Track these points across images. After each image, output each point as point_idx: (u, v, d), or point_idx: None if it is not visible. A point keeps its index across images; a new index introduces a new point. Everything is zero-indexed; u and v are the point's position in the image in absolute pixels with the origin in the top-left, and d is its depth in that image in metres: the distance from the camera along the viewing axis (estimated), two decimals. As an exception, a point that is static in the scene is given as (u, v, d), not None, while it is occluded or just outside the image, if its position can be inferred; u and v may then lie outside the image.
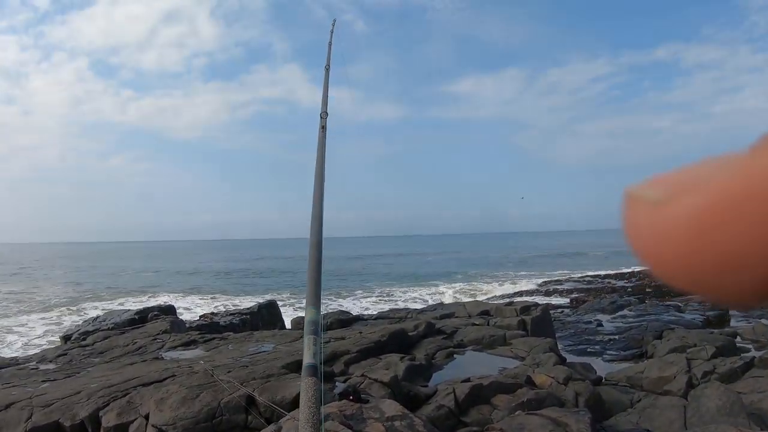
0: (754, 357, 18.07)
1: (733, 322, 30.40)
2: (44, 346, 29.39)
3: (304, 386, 2.58)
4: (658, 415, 13.61)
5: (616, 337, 27.20)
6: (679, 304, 36.23)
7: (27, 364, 19.71)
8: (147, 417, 11.83)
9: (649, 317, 31.20)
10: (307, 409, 2.49)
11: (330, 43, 7.38)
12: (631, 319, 31.41)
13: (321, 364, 2.76)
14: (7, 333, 38.33)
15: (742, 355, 19.89)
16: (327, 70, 6.80)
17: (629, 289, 49.34)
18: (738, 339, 23.80)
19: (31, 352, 27.69)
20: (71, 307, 52.38)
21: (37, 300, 60.22)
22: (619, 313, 34.60)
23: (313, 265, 3.43)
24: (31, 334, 38.27)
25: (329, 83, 6.62)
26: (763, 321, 28.57)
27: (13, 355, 26.56)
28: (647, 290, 47.23)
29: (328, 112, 5.89)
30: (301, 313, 40.21)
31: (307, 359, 2.73)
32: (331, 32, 7.73)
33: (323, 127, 5.50)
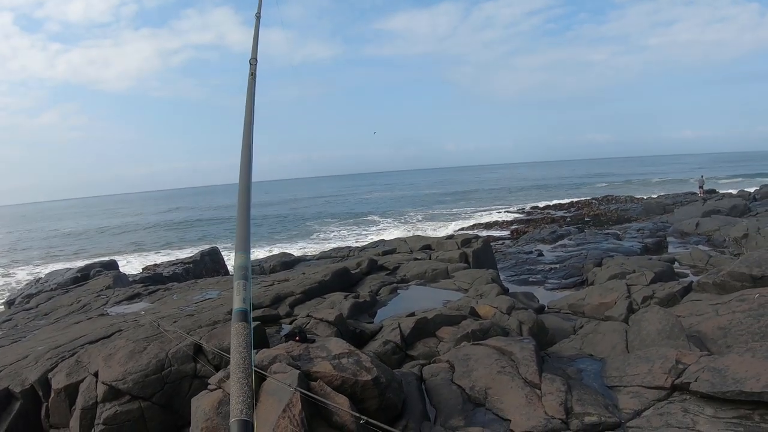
0: (692, 281, 18.37)
1: (670, 249, 31.08)
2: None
3: (235, 332, 2.52)
4: (600, 339, 13.77)
5: (557, 266, 27.58)
6: (618, 232, 36.94)
7: None
8: (96, 374, 11.55)
9: (589, 246, 31.71)
10: (237, 355, 2.41)
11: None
12: (571, 248, 31.88)
13: (250, 309, 2.65)
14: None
15: (680, 280, 20.27)
16: (258, 17, 6.58)
17: (568, 219, 50.05)
18: (676, 265, 24.26)
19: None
20: (7, 275, 50.68)
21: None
22: (559, 242, 35.09)
23: (242, 210, 3.36)
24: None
25: (260, 28, 6.40)
26: (700, 247, 29.25)
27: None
28: (586, 219, 48.01)
29: (257, 58, 5.71)
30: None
31: (236, 304, 2.68)
32: None
33: (252, 74, 5.36)
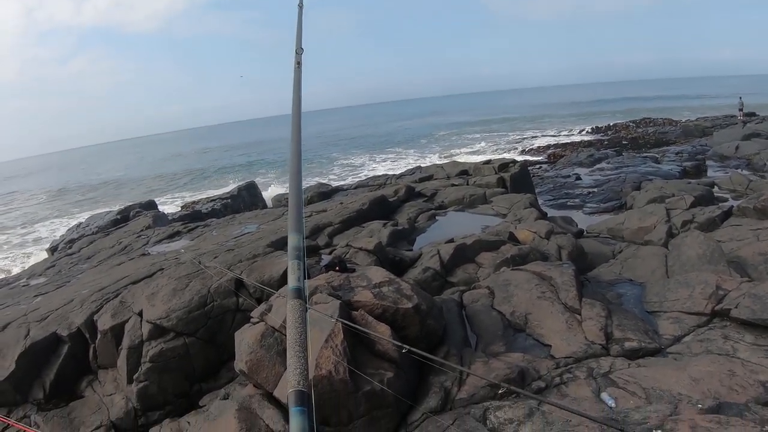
0: (732, 206, 18.18)
1: (710, 173, 30.60)
2: (31, 262, 29.12)
3: (291, 308, 2.61)
4: (639, 264, 13.76)
5: (595, 189, 27.41)
6: (656, 155, 36.44)
7: (17, 282, 19.56)
8: (140, 314, 11.80)
9: (627, 169, 31.42)
10: (294, 330, 2.52)
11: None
12: (609, 172, 31.61)
13: (305, 288, 2.75)
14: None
15: (720, 204, 20.03)
16: (300, 8, 6.46)
17: (606, 143, 49.37)
18: (715, 189, 23.99)
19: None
20: (51, 221, 51.39)
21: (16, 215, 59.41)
22: (597, 166, 34.78)
23: (294, 192, 3.44)
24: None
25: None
26: (740, 171, 28.78)
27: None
28: (624, 143, 47.35)
29: (303, 48, 5.64)
30: (282, 190, 40.23)
31: (291, 283, 2.78)
32: None
33: (299, 64, 5.29)
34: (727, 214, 17.26)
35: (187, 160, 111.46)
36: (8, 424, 10.55)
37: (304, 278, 2.86)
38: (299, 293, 2.71)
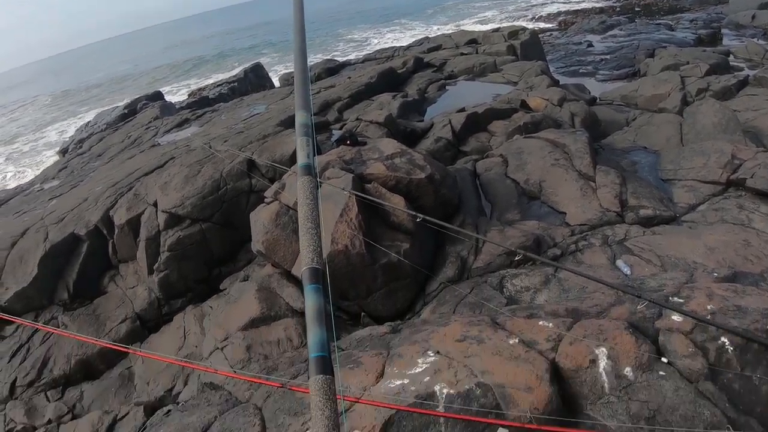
0: (748, 75, 17.86)
1: (725, 41, 29.91)
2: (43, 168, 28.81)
3: (301, 185, 2.59)
4: (654, 131, 13.63)
5: (608, 56, 26.94)
6: (670, 22, 35.62)
7: (32, 188, 19.41)
8: (155, 204, 11.79)
9: (640, 36, 30.78)
10: (305, 207, 2.49)
11: None
12: (621, 39, 31.00)
13: (315, 164, 2.73)
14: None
15: (735, 73, 19.70)
16: None
17: (618, 9, 48.21)
18: (731, 58, 23.49)
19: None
20: (60, 123, 50.59)
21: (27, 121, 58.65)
22: (609, 33, 34.07)
23: (300, 68, 3.33)
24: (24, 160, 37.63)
25: None
26: (757, 40, 28.16)
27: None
28: (636, 9, 46.25)
29: None
30: (288, 69, 39.63)
31: (301, 160, 2.75)
32: None
33: None
34: (743, 83, 16.97)
35: (190, 48, 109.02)
36: (37, 329, 10.76)
37: (314, 155, 2.85)
38: (309, 170, 2.69)
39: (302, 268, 2.23)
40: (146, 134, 21.42)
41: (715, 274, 6.08)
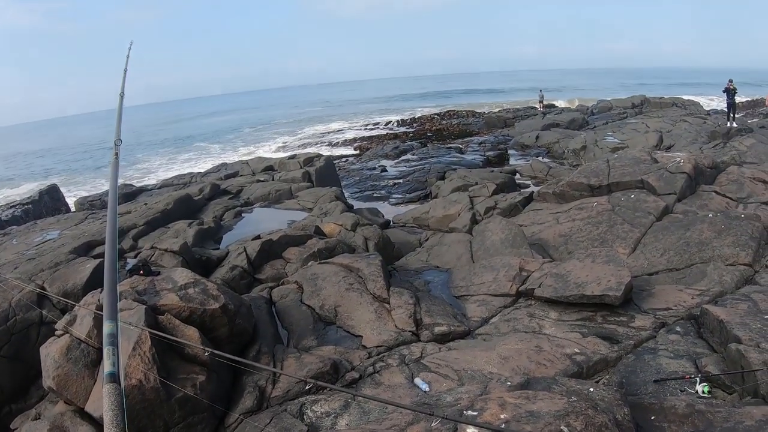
0: (533, 192, 18.84)
1: (512, 161, 31.83)
2: None
3: (106, 391, 2.66)
4: (446, 251, 13.95)
5: (401, 180, 27.79)
6: (460, 146, 37.52)
7: None
8: None
9: (432, 160, 32.09)
10: (110, 413, 2.55)
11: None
12: (414, 163, 32.18)
13: (120, 372, 2.83)
14: None
15: (521, 190, 20.81)
16: (121, 96, 6.19)
17: (411, 134, 50.32)
18: (517, 176, 24.94)
19: None
20: None
21: None
22: (402, 157, 35.34)
23: (109, 275, 3.38)
24: None
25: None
26: (540, 159, 30.11)
27: None
28: (428, 134, 48.46)
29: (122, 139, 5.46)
30: (84, 193, 38.51)
31: (107, 368, 2.82)
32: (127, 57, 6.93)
33: (117, 155, 5.21)
34: (529, 199, 17.83)
35: None
36: None
37: (119, 363, 2.88)
38: (114, 377, 2.75)
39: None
40: (-71, 258, 19.55)
41: (509, 383, 6.11)
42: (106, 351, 2.76)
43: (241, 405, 7.63)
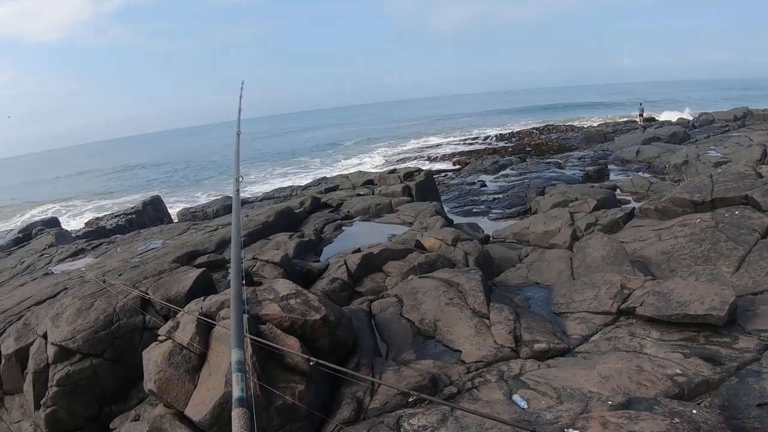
0: (634, 208, 18.49)
1: (612, 176, 31.33)
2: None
3: (236, 416, 2.86)
4: (546, 267, 13.87)
5: (500, 196, 27.69)
6: (559, 161, 37.15)
7: None
8: (45, 336, 11.19)
9: (531, 175, 31.90)
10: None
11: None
12: (513, 178, 32.04)
13: (247, 395, 3.10)
14: None
15: (622, 206, 20.47)
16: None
17: (510, 149, 50.08)
18: (618, 192, 24.55)
19: None
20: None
21: None
22: (502, 172, 35.23)
23: (235, 311, 3.71)
24: None
25: None
26: (641, 174, 29.59)
27: None
28: (527, 149, 48.17)
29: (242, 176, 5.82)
30: (187, 204, 39.85)
31: (236, 393, 3.04)
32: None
33: (238, 191, 5.68)
34: (630, 215, 17.54)
35: (90, 173, 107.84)
36: None
37: (246, 389, 3.09)
38: (243, 402, 2.93)
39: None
40: (40, 261, 20.53)
41: (610, 402, 6.06)
42: (235, 377, 3.01)
43: (339, 415, 7.76)
